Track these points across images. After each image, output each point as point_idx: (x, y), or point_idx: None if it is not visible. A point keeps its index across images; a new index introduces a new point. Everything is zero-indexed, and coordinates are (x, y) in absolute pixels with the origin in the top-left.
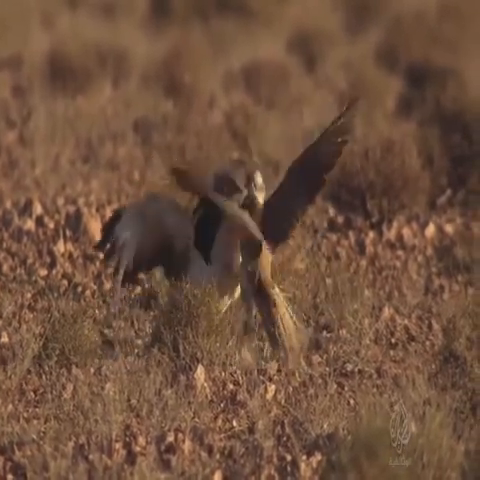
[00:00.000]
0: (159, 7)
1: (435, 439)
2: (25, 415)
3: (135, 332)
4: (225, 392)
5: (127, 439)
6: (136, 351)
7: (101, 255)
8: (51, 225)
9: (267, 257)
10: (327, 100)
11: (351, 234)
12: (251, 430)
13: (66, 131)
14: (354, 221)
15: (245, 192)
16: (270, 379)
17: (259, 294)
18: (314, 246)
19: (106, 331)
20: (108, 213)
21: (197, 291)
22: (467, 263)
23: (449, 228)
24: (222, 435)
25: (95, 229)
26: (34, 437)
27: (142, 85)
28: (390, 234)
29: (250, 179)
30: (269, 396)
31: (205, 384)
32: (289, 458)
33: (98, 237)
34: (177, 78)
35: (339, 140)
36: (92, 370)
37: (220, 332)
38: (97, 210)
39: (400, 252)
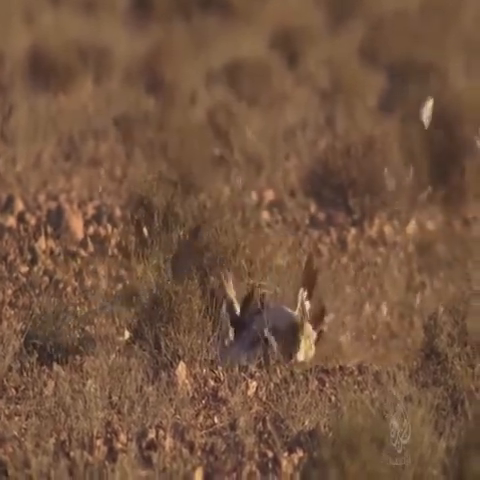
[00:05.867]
0: (141, 4)
1: (416, 436)
2: (6, 412)
3: (116, 329)
4: (206, 389)
5: (108, 436)
6: (117, 348)
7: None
8: (32, 222)
9: None
10: (309, 97)
11: (333, 231)
12: (232, 427)
13: (48, 128)
14: (336, 218)
15: None
16: (251, 376)
17: None
18: (295, 243)
19: (87, 328)
20: (89, 209)
21: (178, 288)
22: (448, 260)
23: (430, 225)
24: (203, 432)
25: (76, 225)
26: (15, 434)
27: (124, 82)
28: (371, 231)
29: None
30: (250, 393)
31: (186, 381)
32: (270, 455)
33: (80, 234)
34: (159, 75)
35: None
36: (73, 367)
37: (201, 329)
38: (79, 207)
39: (381, 249)
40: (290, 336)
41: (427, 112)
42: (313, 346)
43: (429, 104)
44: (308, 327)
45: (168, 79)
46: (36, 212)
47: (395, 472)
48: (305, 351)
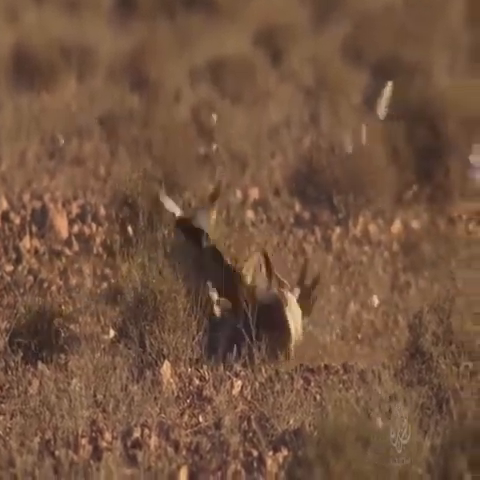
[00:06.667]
0: (125, 2)
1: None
2: None
3: (101, 327)
4: (191, 387)
5: (93, 434)
6: (102, 346)
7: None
8: (17, 221)
9: None
10: (293, 95)
11: (317, 229)
12: (217, 426)
13: (31, 126)
14: (320, 216)
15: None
16: (236, 375)
17: None
18: (280, 242)
19: (72, 326)
20: (74, 208)
21: (163, 286)
22: (433, 259)
23: (415, 224)
24: (188, 431)
25: (61, 224)
26: (0, 433)
27: (108, 80)
28: (356, 230)
29: None
30: (235, 392)
31: (171, 380)
32: (255, 454)
33: (64, 232)
34: (143, 73)
35: None
36: (58, 366)
37: (186, 328)
38: (63, 206)
39: (366, 248)
40: (277, 314)
41: (384, 101)
42: (300, 326)
43: (387, 91)
44: (292, 300)
45: (152, 77)
46: (20, 211)
47: (380, 471)
48: (295, 328)
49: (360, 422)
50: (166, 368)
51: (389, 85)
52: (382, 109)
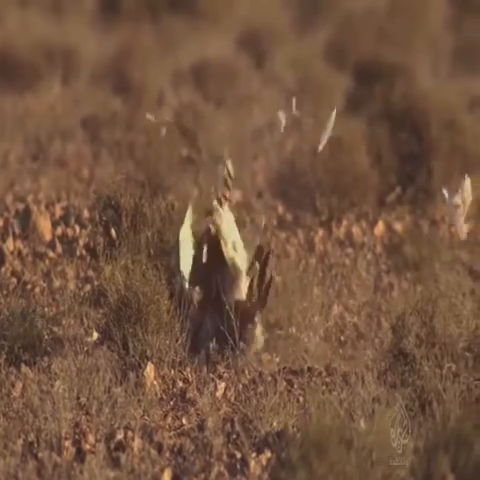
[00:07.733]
0: (109, 5)
1: (384, 436)
2: None
3: (84, 330)
4: (175, 390)
5: (76, 437)
6: (85, 349)
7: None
8: (0, 222)
9: None
10: (276, 98)
11: (300, 232)
12: (201, 428)
13: (15, 128)
14: (303, 219)
15: None
16: (220, 377)
17: None
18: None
19: (55, 329)
20: (57, 210)
21: (147, 288)
22: (416, 261)
23: (398, 226)
24: (172, 433)
25: (44, 226)
26: None
27: (91, 82)
28: (339, 232)
29: None
30: (219, 394)
31: (154, 382)
32: (239, 456)
33: (48, 235)
34: (126, 76)
35: None
36: (41, 368)
37: (169, 330)
38: (46, 207)
39: (349, 250)
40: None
41: (327, 131)
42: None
43: (330, 121)
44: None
45: (135, 80)
46: (4, 213)
47: (363, 473)
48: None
49: (343, 424)
50: (149, 370)
51: (333, 114)
52: (324, 139)
